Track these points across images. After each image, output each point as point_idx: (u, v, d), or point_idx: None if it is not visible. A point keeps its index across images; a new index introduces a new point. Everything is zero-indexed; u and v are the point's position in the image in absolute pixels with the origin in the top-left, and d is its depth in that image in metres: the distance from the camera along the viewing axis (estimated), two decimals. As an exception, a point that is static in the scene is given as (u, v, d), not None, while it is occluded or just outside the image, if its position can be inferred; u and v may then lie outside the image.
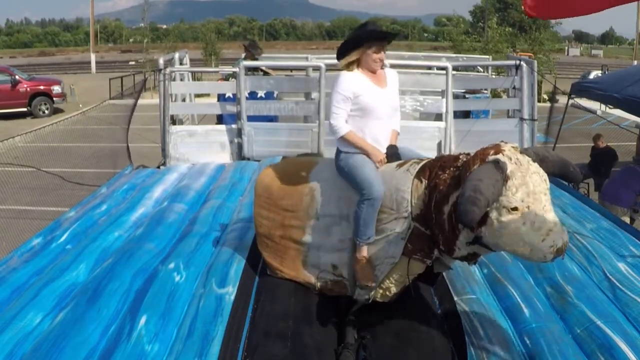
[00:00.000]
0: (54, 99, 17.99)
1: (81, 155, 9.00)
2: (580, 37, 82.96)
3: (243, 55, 7.39)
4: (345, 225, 2.75)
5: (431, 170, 2.49)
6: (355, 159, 2.69)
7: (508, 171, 2.12)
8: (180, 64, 6.95)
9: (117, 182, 5.20)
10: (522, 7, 5.88)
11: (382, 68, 2.80)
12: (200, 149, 5.90)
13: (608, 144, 8.15)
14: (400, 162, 2.71)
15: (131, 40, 69.58)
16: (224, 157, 5.94)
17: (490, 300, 2.97)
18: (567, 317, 2.78)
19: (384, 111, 2.75)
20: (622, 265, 3.21)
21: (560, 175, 2.39)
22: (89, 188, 5.64)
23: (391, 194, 2.57)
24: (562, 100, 7.64)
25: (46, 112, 17.69)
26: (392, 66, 2.85)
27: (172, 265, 3.07)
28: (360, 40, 2.70)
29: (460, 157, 2.42)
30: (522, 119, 5.85)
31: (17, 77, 17.79)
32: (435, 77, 6.66)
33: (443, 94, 5.96)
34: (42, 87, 17.99)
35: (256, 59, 7.06)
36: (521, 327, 2.70)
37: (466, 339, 2.60)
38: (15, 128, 12.53)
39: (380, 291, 2.70)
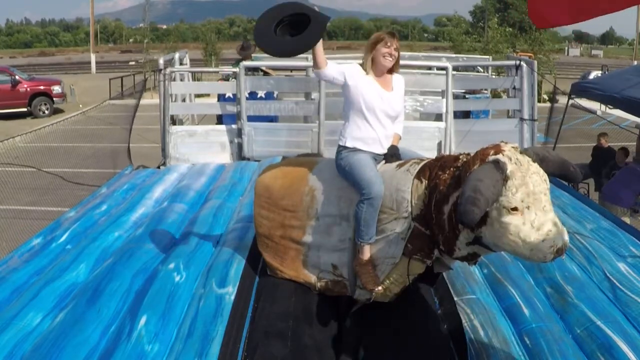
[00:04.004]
0: (54, 99, 17.99)
1: (81, 155, 9.00)
2: (580, 37, 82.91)
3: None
4: (345, 225, 2.75)
5: (431, 170, 2.49)
6: (356, 158, 2.69)
7: (508, 171, 2.12)
8: (180, 64, 6.95)
9: (117, 182, 5.21)
10: (529, 18, 5.87)
11: (391, 73, 2.82)
12: (200, 149, 5.90)
13: (609, 144, 8.15)
14: (400, 162, 2.71)
15: (131, 40, 69.54)
16: (224, 157, 5.94)
17: (490, 300, 2.97)
18: (567, 317, 2.78)
19: (386, 113, 2.76)
20: (622, 266, 3.21)
21: (560, 175, 2.39)
22: (89, 188, 5.65)
23: (391, 194, 2.57)
24: (562, 100, 7.65)
25: (46, 112, 17.69)
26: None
27: (172, 265, 3.07)
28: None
29: (461, 157, 2.42)
30: (522, 119, 5.85)
31: (17, 77, 17.79)
32: (435, 77, 6.66)
33: (443, 94, 5.96)
34: (42, 87, 18.00)
35: (251, 59, 7.05)
36: (521, 327, 2.70)
37: (466, 339, 2.60)
38: (16, 128, 12.53)
39: (381, 291, 2.69)
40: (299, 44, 2.64)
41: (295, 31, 2.65)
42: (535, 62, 6.31)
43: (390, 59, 2.75)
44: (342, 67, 2.74)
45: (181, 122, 6.51)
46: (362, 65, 2.80)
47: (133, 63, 31.55)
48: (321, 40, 2.63)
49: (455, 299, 2.93)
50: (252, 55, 7.41)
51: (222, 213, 4.06)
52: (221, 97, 6.59)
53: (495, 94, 11.24)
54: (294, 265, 2.91)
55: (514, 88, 6.07)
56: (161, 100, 5.79)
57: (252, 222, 3.15)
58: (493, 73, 9.76)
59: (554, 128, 7.33)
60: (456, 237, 2.34)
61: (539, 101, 6.44)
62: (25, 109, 17.46)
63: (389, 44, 2.72)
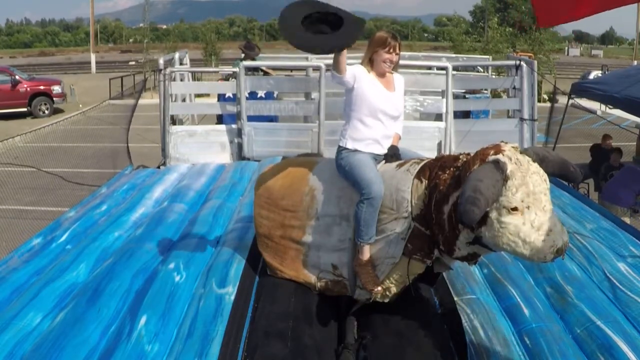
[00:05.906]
0: (54, 99, 18.01)
1: (81, 155, 9.00)
2: (580, 37, 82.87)
3: (242, 56, 7.42)
4: (345, 225, 2.75)
5: (431, 170, 2.49)
6: (356, 158, 2.69)
7: (508, 171, 2.12)
8: (180, 64, 6.96)
9: (117, 182, 5.21)
10: (536, 21, 5.87)
11: (391, 72, 2.82)
12: (200, 149, 5.91)
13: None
14: (400, 162, 2.71)
15: (131, 40, 69.48)
16: (224, 157, 5.95)
17: (490, 300, 2.97)
18: (567, 317, 2.78)
19: (389, 113, 2.76)
20: (622, 265, 3.21)
21: (560, 175, 2.39)
22: (89, 188, 5.66)
23: (391, 194, 2.57)
24: (562, 100, 7.65)
25: (46, 112, 17.71)
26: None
27: (172, 265, 3.07)
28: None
29: (461, 157, 2.42)
30: (522, 119, 5.86)
31: (17, 77, 17.81)
32: (435, 77, 6.66)
33: (443, 94, 5.97)
34: (42, 87, 18.02)
35: (254, 60, 7.08)
36: (521, 327, 2.70)
37: (466, 339, 2.60)
38: (16, 128, 12.53)
39: (380, 291, 2.69)
40: (335, 41, 2.50)
41: (322, 28, 2.53)
42: (535, 62, 6.32)
43: (390, 64, 2.75)
44: (352, 70, 2.72)
45: (181, 122, 6.51)
46: (361, 63, 2.80)
47: (133, 63, 31.54)
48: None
49: (455, 299, 2.93)
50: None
51: (222, 213, 4.06)
52: (221, 97, 6.59)
53: (495, 94, 11.25)
54: (294, 265, 2.91)
55: (514, 88, 6.07)
56: (161, 100, 5.79)
57: (252, 222, 3.15)
58: (493, 73, 9.77)
59: (554, 128, 7.34)
60: (456, 237, 2.35)
61: (539, 101, 6.44)
62: (25, 109, 17.48)
63: (391, 49, 2.72)
